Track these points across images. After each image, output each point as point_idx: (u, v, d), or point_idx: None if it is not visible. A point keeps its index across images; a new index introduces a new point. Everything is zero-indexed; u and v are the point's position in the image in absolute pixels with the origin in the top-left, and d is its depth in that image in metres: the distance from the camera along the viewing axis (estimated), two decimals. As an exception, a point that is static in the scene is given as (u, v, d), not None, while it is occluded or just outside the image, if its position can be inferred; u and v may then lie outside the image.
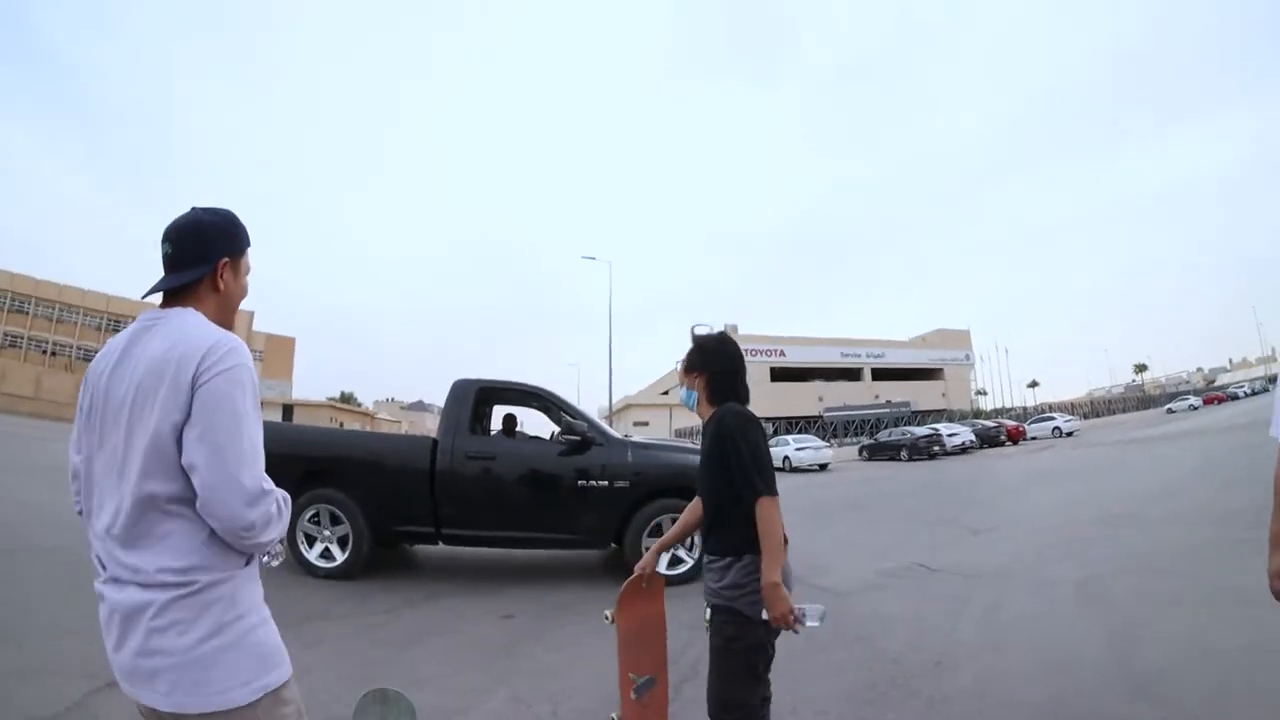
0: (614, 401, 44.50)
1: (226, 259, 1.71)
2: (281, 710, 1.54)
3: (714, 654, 2.38)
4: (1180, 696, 3.12)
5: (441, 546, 7.24)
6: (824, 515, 11.61)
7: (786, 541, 2.30)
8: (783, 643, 4.32)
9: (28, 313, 61.92)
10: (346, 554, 6.56)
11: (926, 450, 27.94)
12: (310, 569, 6.54)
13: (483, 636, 5.09)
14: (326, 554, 6.60)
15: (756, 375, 60.66)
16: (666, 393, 72.10)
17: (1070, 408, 61.03)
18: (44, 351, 61.56)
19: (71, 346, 63.06)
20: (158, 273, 1.64)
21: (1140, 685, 3.27)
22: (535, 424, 8.38)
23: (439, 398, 7.32)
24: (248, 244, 1.80)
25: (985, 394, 76.30)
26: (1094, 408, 67.44)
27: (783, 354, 63.02)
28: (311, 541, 6.63)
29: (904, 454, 28.74)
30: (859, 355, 65.46)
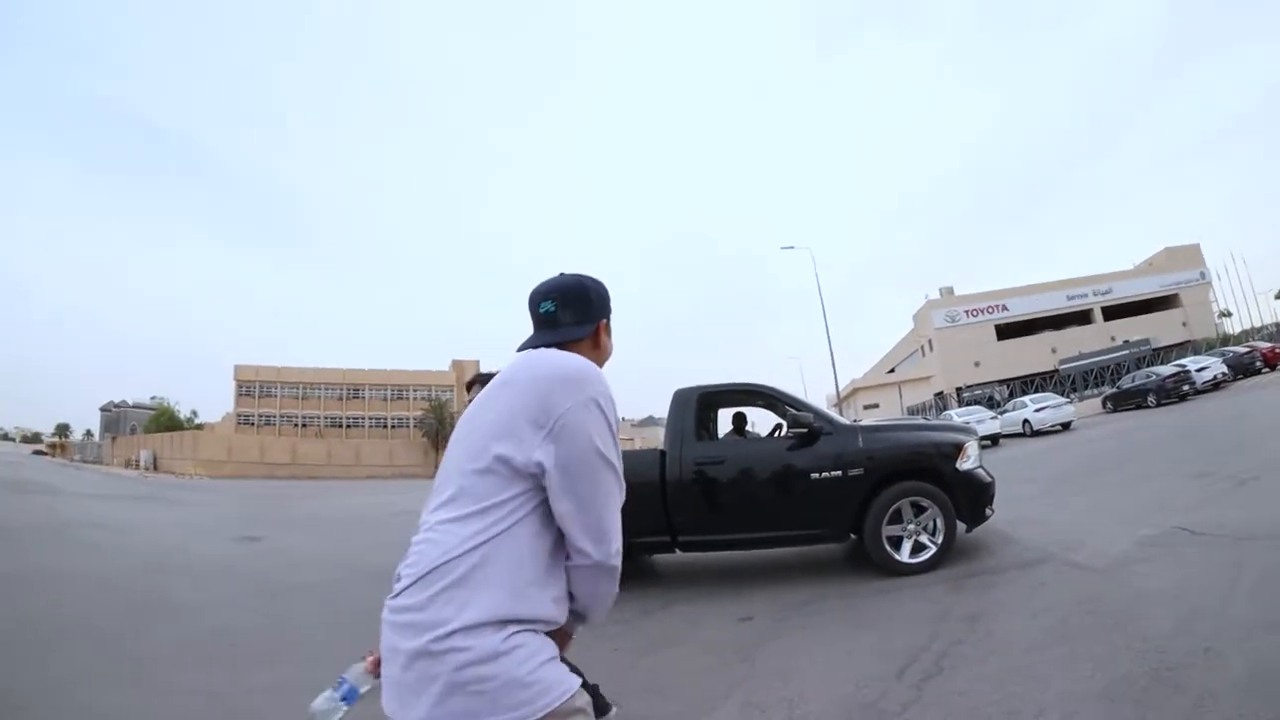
0: (840, 387, 43.53)
1: (604, 320, 1.86)
2: None
3: None
4: None
5: (679, 554, 7.45)
6: (1072, 480, 10.86)
7: None
8: (1029, 636, 4.15)
9: (275, 395, 73.93)
10: None
11: (1175, 391, 25.27)
12: None
13: (719, 641, 5.19)
14: None
15: (981, 336, 58.07)
16: (893, 370, 69.89)
17: (1331, 314, 52.56)
18: (295, 425, 72.93)
19: (319, 417, 74.22)
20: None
21: None
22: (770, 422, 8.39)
23: (666, 410, 7.55)
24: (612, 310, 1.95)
25: (1230, 315, 66.33)
26: (1359, 310, 58.13)
27: (1005, 308, 59.10)
28: None
29: (1151, 399, 26.18)
30: (1085, 295, 59.64)
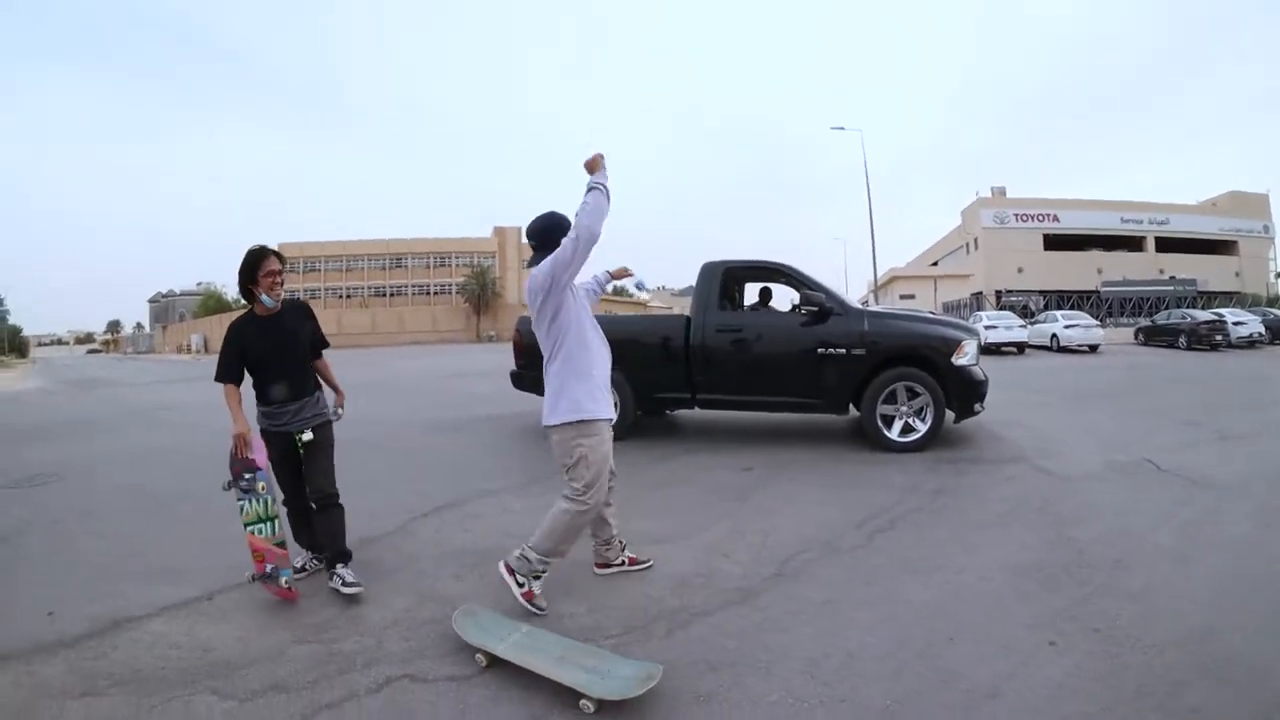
0: (879, 274, 42.91)
1: (565, 239, 3.25)
2: None
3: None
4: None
5: (697, 411, 8.19)
6: (1077, 400, 11.18)
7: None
8: (978, 516, 4.88)
9: (320, 269, 74.72)
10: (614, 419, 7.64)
11: (1207, 339, 24.44)
12: None
13: (721, 484, 5.92)
14: None
15: (1028, 243, 55.78)
16: (935, 263, 68.05)
17: (1389, 308, 49.63)
18: (340, 297, 73.88)
19: (363, 288, 75.21)
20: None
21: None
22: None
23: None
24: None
25: None
26: None
27: (1056, 219, 56.71)
28: None
29: (1182, 341, 25.32)
30: (1140, 221, 56.94)
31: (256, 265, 3.58)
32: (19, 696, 2.65)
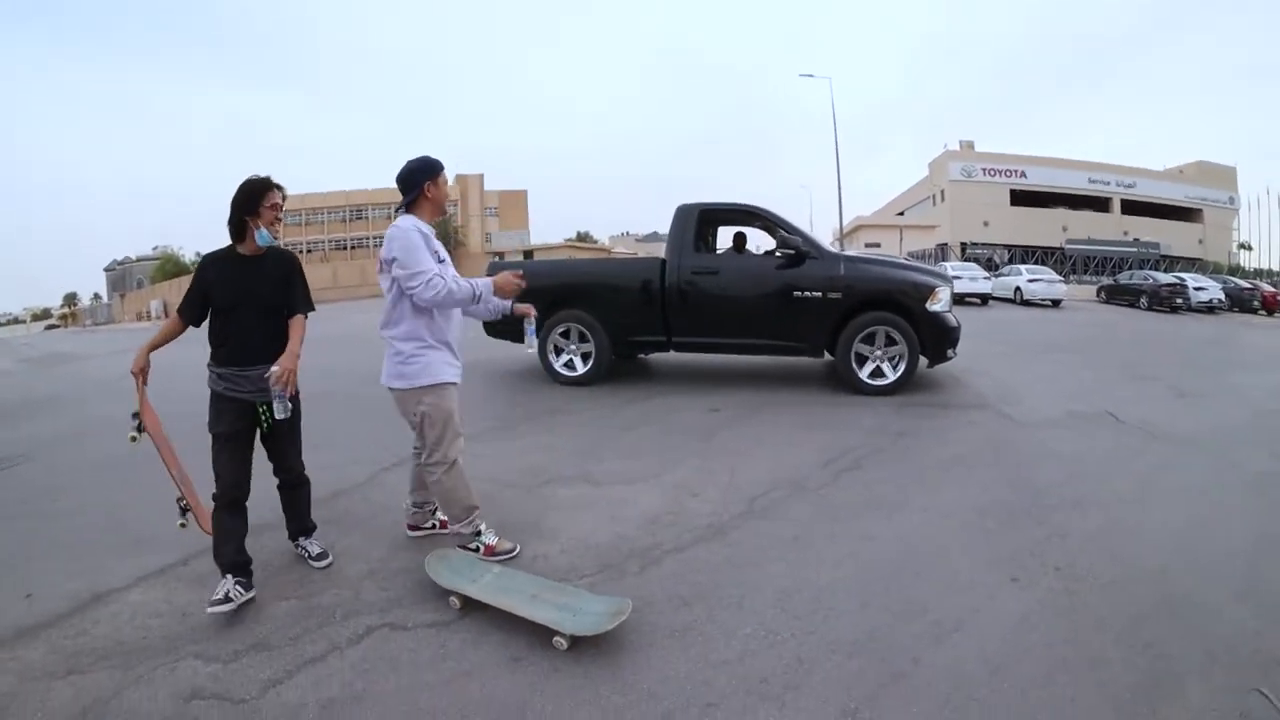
0: (845, 222, 42.67)
1: (427, 182, 3.25)
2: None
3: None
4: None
5: (670, 355, 8.21)
6: (1039, 351, 11.31)
7: None
8: (940, 457, 4.98)
9: (280, 224, 71.15)
10: (588, 367, 7.58)
11: (1167, 301, 24.66)
12: (555, 376, 7.65)
13: (690, 424, 5.95)
14: (570, 365, 7.65)
15: (995, 197, 55.59)
16: (902, 213, 68.00)
17: (1347, 283, 50.50)
18: (301, 252, 68.07)
19: (324, 241, 72.40)
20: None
21: (1255, 590, 3.04)
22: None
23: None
24: (440, 170, 3.30)
25: (1250, 249, 62.19)
26: (1379, 288, 56.15)
27: (1024, 175, 56.07)
28: (559, 352, 7.66)
29: (1143, 301, 25.68)
30: (1107, 183, 56.50)
31: (261, 194, 3.07)
32: (4, 683, 2.58)
